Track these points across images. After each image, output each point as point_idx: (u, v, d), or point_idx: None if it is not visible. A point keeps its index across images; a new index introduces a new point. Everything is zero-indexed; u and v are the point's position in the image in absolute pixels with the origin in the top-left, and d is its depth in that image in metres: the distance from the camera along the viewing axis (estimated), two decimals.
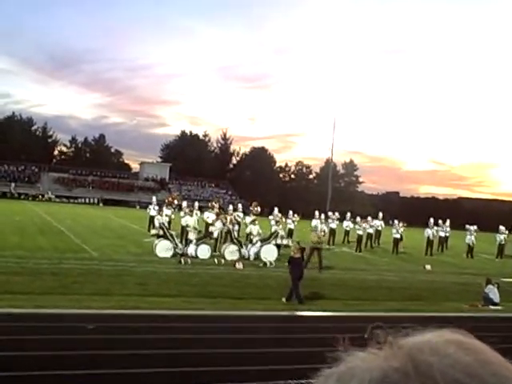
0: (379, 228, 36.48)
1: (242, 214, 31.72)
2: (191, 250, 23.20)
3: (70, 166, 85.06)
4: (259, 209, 29.89)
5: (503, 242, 36.75)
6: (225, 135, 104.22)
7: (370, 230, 35.05)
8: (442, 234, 36.84)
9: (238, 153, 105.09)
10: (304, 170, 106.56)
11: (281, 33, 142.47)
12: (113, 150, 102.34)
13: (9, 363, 8.93)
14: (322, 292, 17.47)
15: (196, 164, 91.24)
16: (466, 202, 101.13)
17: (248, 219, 28.18)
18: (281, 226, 27.28)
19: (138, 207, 67.12)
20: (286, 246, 24.67)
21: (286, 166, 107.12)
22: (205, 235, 25.24)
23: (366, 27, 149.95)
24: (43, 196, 72.66)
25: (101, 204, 72.55)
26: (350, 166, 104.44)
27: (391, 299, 17.70)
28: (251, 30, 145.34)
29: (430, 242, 34.74)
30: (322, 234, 25.53)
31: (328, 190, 68.37)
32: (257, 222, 25.67)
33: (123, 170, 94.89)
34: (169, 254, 22.73)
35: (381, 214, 37.41)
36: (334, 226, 36.10)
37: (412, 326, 0.74)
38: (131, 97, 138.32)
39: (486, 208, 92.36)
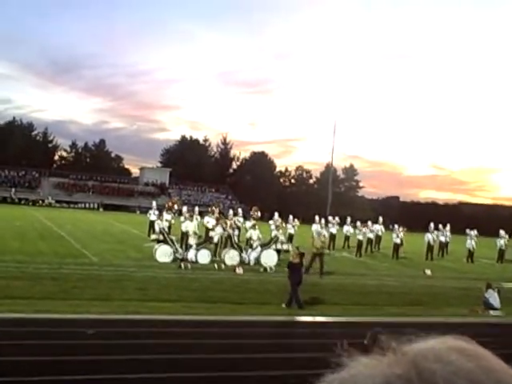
0: (379, 233, 36.42)
1: (242, 219, 31.71)
2: (191, 254, 23.17)
3: (71, 171, 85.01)
4: (259, 214, 29.89)
5: (503, 247, 36.69)
6: (225, 140, 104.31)
7: (370, 235, 35.00)
8: (443, 239, 36.78)
9: (238, 157, 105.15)
10: (304, 174, 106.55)
11: (281, 38, 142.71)
12: (113, 155, 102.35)
13: (9, 368, 8.92)
14: (322, 297, 17.45)
15: (196, 169, 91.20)
16: (466, 207, 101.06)
17: (248, 224, 28.17)
18: (281, 231, 27.26)
19: (138, 212, 67.04)
20: (286, 250, 24.64)
21: (286, 170, 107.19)
22: (205, 240, 25.23)
23: (367, 32, 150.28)
24: (43, 201, 72.62)
25: (101, 209, 72.53)
26: (350, 171, 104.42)
27: (391, 304, 17.67)
28: (251, 35, 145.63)
29: (430, 247, 34.68)
30: (323, 239, 25.49)
31: (328, 194, 68.34)
32: (257, 227, 25.66)
33: (123, 174, 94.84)
34: (169, 258, 22.71)
35: (381, 219, 37.36)
36: (334, 230, 36.06)
37: (412, 332, 0.75)
38: (132, 102, 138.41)
39: (486, 213, 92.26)
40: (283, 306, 15.60)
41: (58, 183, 79.39)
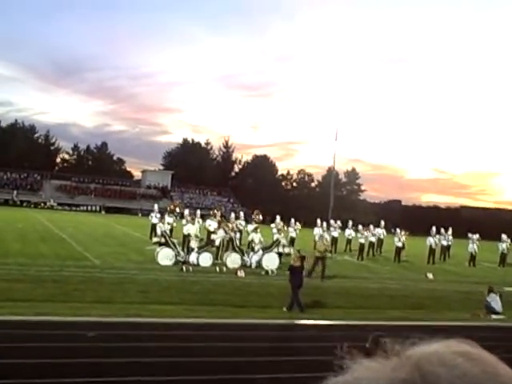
0: (381, 236, 36.42)
1: (243, 222, 31.69)
2: (193, 257, 23.18)
3: (72, 173, 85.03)
4: (261, 217, 29.89)
5: (505, 251, 36.62)
6: (227, 143, 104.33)
7: (372, 239, 35.01)
8: (444, 243, 36.74)
9: (239, 161, 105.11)
10: (306, 178, 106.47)
11: (283, 41, 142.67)
12: (115, 158, 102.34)
13: (10, 370, 8.91)
14: (323, 300, 17.43)
15: (198, 172, 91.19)
16: (468, 211, 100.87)
17: (250, 227, 28.17)
18: (282, 235, 27.27)
19: (139, 215, 67.04)
20: (288, 254, 24.63)
21: (288, 174, 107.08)
22: (207, 243, 25.23)
23: (369, 36, 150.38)
24: (45, 203, 72.65)
25: (103, 212, 72.54)
26: (352, 175, 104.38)
27: (393, 308, 17.65)
28: (253, 39, 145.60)
29: (432, 251, 34.63)
30: (326, 242, 25.48)
31: (330, 198, 68.24)
32: (259, 230, 25.67)
33: (125, 177, 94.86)
34: (171, 261, 22.72)
35: (383, 223, 37.37)
36: (335, 234, 36.04)
37: (414, 335, 0.74)
38: (134, 105, 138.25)
39: (488, 217, 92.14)
40: (284, 309, 15.60)
41: (60, 186, 79.44)
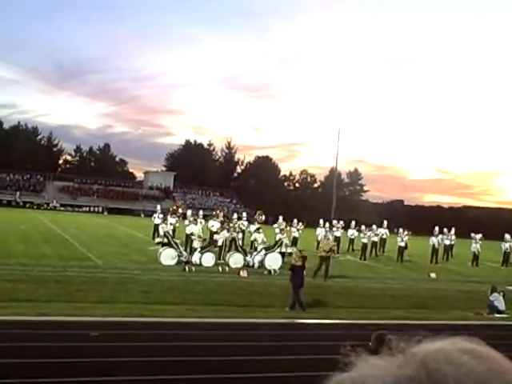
0: (384, 236, 36.42)
1: (246, 223, 31.71)
2: (196, 257, 23.20)
3: (75, 174, 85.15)
4: (263, 217, 29.91)
5: (508, 250, 36.55)
6: (229, 144, 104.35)
7: (375, 239, 34.99)
8: (447, 243, 36.72)
9: (242, 162, 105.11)
10: (308, 178, 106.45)
11: (285, 43, 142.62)
12: (117, 159, 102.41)
13: (13, 371, 8.93)
14: (326, 300, 17.44)
15: (200, 173, 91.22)
16: (470, 211, 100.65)
17: (252, 228, 28.20)
18: (285, 235, 27.26)
19: (142, 216, 67.08)
20: (291, 254, 24.62)
21: (291, 174, 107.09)
22: (209, 243, 25.24)
23: (371, 38, 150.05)
24: (48, 205, 72.74)
25: (105, 212, 72.60)
26: (355, 175, 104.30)
27: (396, 307, 17.64)
28: (256, 40, 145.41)
29: (434, 251, 34.60)
30: (332, 242, 25.45)
31: (332, 198, 68.28)
32: (261, 231, 25.69)
33: (128, 178, 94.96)
34: (173, 261, 22.74)
35: (385, 223, 37.37)
36: (338, 234, 36.01)
37: (418, 333, 0.74)
38: (136, 106, 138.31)
39: (491, 216, 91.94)
40: (287, 309, 15.61)
41: (63, 187, 79.54)
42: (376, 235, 35.23)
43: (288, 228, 31.36)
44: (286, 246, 25.67)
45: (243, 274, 21.45)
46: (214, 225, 27.97)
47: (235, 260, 23.53)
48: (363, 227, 35.48)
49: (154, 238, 30.09)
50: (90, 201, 77.74)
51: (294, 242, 32.52)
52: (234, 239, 25.31)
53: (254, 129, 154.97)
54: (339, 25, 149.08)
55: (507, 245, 36.62)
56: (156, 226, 31.35)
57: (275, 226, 30.92)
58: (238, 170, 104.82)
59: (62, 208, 72.47)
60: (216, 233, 26.54)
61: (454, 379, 0.64)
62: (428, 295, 20.58)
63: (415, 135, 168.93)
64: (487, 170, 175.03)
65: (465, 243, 38.19)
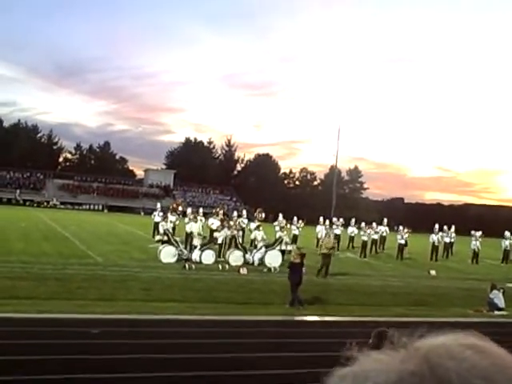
0: (384, 234, 36.44)
1: (246, 221, 31.72)
2: (196, 255, 23.22)
3: (75, 172, 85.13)
4: (263, 215, 29.90)
5: (508, 248, 36.56)
6: (229, 142, 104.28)
7: (375, 236, 34.98)
8: (447, 240, 36.74)
9: (242, 159, 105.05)
10: (308, 176, 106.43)
11: (286, 41, 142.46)
12: (118, 157, 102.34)
13: (14, 367, 8.95)
14: (326, 297, 17.45)
15: (200, 171, 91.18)
16: (471, 208, 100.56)
17: (252, 225, 28.21)
18: (285, 232, 27.26)
19: (142, 214, 67.07)
20: (291, 251, 24.63)
21: (291, 172, 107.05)
22: (209, 241, 25.25)
23: (371, 36, 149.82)
24: (48, 202, 72.74)
25: (105, 210, 72.62)
26: (355, 173, 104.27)
27: (396, 305, 17.66)
28: (256, 38, 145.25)
29: (435, 248, 34.63)
30: (334, 240, 25.46)
31: (333, 196, 68.32)
32: (261, 228, 25.70)
33: (128, 176, 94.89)
34: (173, 259, 22.75)
35: (385, 220, 37.38)
36: (338, 232, 36.01)
37: (421, 330, 0.74)
38: (136, 104, 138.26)
39: (491, 214, 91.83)
40: (286, 306, 15.61)
41: (63, 185, 79.54)
42: (376, 233, 35.23)
43: (288, 226, 31.37)
44: (286, 243, 25.66)
45: (243, 271, 21.46)
46: (214, 222, 27.97)
47: (235, 258, 23.53)
48: (363, 225, 35.47)
49: (154, 236, 30.08)
50: (90, 199, 77.75)
51: (294, 239, 32.52)
52: (234, 237, 25.31)
53: (254, 126, 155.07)
54: (339, 23, 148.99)
55: (507, 242, 36.65)
56: (156, 224, 31.35)
57: (275, 223, 30.94)
58: (238, 167, 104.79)
59: (62, 206, 72.50)
60: (216, 230, 26.54)
61: (456, 374, 0.64)
62: (428, 292, 20.59)
63: (416, 133, 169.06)
64: (488, 167, 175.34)
65: (465, 241, 38.21)
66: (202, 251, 23.46)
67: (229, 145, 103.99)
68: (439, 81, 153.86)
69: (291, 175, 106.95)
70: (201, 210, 31.12)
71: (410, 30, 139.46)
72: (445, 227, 37.21)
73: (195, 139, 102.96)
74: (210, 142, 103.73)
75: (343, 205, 75.60)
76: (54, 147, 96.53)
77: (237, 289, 17.95)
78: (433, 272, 26.40)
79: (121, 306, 14.04)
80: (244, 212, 34.21)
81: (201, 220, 28.06)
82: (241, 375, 9.48)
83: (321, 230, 34.44)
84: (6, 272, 17.08)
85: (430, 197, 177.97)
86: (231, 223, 26.47)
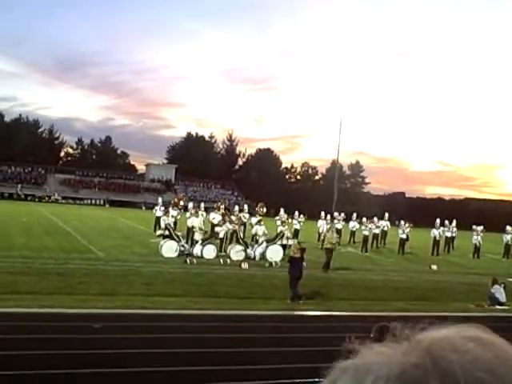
0: (385, 228, 36.41)
1: (247, 215, 31.74)
2: (197, 250, 23.24)
3: (77, 167, 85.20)
4: (265, 210, 29.90)
5: (510, 242, 36.58)
6: (231, 136, 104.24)
7: (376, 231, 34.98)
8: (449, 235, 36.74)
9: (243, 154, 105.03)
10: (310, 171, 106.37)
11: (287, 35, 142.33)
12: (119, 152, 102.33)
13: (16, 362, 8.97)
14: (327, 292, 17.46)
15: (202, 165, 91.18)
16: (472, 203, 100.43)
17: (254, 220, 28.21)
18: (287, 227, 27.27)
19: (143, 208, 67.13)
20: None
21: (292, 167, 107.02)
22: (211, 236, 25.27)
23: (372, 30, 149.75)
24: (49, 197, 72.81)
25: (107, 205, 72.67)
26: (356, 167, 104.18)
27: (397, 299, 17.67)
28: (257, 33, 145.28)
29: (436, 242, 34.65)
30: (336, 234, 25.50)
31: (334, 190, 68.31)
32: (262, 223, 25.70)
33: (129, 171, 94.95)
34: (175, 254, 22.78)
35: (387, 215, 37.36)
36: (339, 226, 36.01)
37: (422, 322, 0.74)
38: (138, 99, 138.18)
39: (492, 208, 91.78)
40: (288, 301, 15.63)
41: (64, 180, 79.62)
42: (377, 227, 35.22)
43: (289, 220, 31.36)
44: (288, 238, 25.66)
45: (244, 266, 21.48)
46: (216, 217, 27.98)
47: (236, 252, 23.55)
48: (364, 219, 35.44)
49: (155, 231, 30.09)
50: (92, 193, 77.83)
51: (296, 234, 32.51)
52: (235, 231, 25.32)
53: (256, 121, 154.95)
54: (340, 17, 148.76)
55: (508, 237, 36.66)
56: (157, 219, 31.36)
57: (276, 218, 30.93)
58: (240, 162, 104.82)
59: (64, 201, 72.59)
60: (217, 225, 26.55)
61: (459, 366, 0.63)
62: (429, 287, 20.60)
63: (417, 127, 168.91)
64: (489, 162, 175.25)
65: (466, 235, 38.19)
66: (204, 246, 23.47)
67: (230, 139, 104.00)
68: (440, 75, 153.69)
69: (292, 170, 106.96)
70: (202, 204, 31.10)
71: (410, 24, 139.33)
72: (446, 222, 37.18)
73: (196, 134, 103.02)
74: (211, 137, 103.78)
75: (344, 199, 75.56)
76: (55, 142, 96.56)
77: (238, 283, 17.97)
78: (434, 266, 26.42)
79: (122, 301, 14.06)
80: (245, 206, 34.25)
81: (202, 215, 28.07)
82: (241, 370, 9.49)
83: (322, 224, 34.45)
84: (8, 267, 17.11)
85: (431, 191, 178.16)
86: (232, 218, 26.47)
